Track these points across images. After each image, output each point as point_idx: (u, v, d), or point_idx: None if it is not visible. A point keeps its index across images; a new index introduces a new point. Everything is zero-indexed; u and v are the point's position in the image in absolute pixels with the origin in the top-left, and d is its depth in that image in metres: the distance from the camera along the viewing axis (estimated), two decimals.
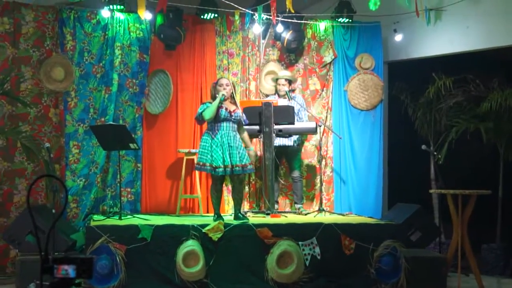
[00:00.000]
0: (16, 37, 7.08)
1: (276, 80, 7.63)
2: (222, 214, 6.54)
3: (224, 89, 6.40)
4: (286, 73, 7.74)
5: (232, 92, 6.50)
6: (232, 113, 6.37)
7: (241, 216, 6.43)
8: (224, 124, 6.36)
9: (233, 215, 6.75)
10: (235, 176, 6.42)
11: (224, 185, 6.97)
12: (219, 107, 6.33)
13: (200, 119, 6.45)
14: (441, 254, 6.85)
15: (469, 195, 6.23)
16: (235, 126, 6.43)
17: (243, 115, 6.56)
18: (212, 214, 6.54)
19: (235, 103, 6.51)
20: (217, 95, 6.38)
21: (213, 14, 7.54)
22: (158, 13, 7.20)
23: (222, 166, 6.23)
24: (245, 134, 6.63)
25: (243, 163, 6.32)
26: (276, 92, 7.64)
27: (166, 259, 5.86)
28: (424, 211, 7.01)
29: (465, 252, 6.28)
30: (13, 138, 6.72)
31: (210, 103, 6.41)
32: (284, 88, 7.51)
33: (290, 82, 7.65)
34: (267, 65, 8.04)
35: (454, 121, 7.82)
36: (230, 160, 6.25)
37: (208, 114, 6.31)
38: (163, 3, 6.04)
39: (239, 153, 6.32)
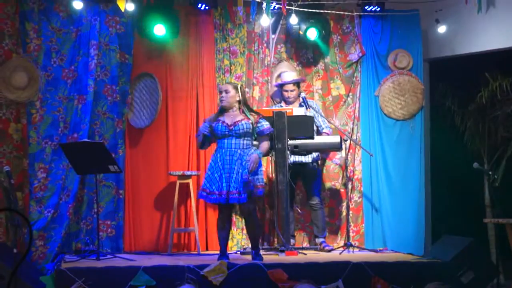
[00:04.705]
0: None
1: (281, 86, 7.61)
2: (227, 253, 6.56)
3: (222, 98, 6.46)
4: (291, 75, 7.66)
5: (240, 99, 6.47)
6: (231, 127, 6.37)
7: (254, 255, 6.43)
8: (225, 141, 6.40)
9: (238, 252, 6.81)
10: (241, 206, 6.46)
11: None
12: (216, 121, 6.41)
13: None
14: None
15: None
16: (242, 142, 6.38)
17: (261, 122, 6.43)
18: (213, 252, 6.55)
19: (243, 113, 6.45)
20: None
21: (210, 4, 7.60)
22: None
23: (216, 192, 6.29)
24: (263, 144, 6.49)
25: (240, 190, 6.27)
26: (284, 99, 7.62)
27: None
28: (478, 245, 6.94)
29: None
30: None
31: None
32: (293, 94, 7.51)
33: (298, 84, 7.63)
34: (279, 65, 8.04)
35: None
36: (226, 186, 6.27)
37: (197, 143, 6.61)
38: None
39: (240, 176, 6.27)
